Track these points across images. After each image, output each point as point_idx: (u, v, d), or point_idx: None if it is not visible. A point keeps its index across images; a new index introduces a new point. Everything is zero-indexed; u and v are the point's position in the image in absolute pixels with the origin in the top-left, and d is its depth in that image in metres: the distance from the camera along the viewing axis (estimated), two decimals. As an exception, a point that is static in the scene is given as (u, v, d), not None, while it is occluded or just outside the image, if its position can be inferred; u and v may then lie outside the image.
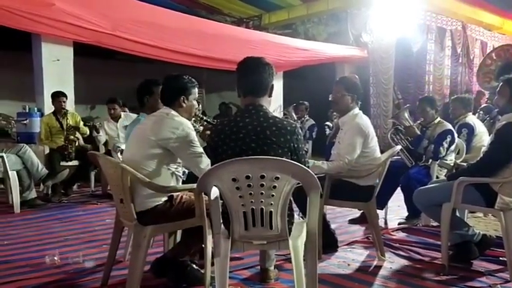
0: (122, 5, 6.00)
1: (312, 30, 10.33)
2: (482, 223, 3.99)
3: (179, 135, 2.43)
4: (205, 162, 2.45)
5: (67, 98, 5.46)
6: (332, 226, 3.43)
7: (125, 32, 5.89)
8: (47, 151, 5.25)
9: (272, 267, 2.66)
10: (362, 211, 3.88)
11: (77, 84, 6.18)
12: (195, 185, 2.28)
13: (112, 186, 2.64)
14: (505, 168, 2.72)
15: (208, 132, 2.87)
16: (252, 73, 2.20)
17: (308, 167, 2.16)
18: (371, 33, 9.49)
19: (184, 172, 2.76)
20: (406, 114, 4.24)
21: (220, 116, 8.94)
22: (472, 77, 11.13)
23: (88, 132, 5.66)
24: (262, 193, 1.95)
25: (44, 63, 5.80)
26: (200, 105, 3.59)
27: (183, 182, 2.67)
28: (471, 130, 4.48)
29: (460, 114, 4.63)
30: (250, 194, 1.95)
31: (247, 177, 1.92)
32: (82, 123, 5.65)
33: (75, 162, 5.31)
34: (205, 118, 3.41)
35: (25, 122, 5.49)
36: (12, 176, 4.47)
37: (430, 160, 4.03)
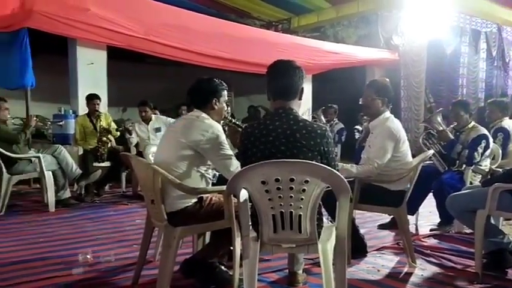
0: (154, 10, 6.12)
1: (341, 33, 10.25)
2: (518, 231, 3.86)
3: (209, 138, 2.46)
4: (235, 165, 2.47)
5: (100, 101, 5.63)
6: (361, 231, 3.39)
7: (156, 36, 6.01)
8: (81, 152, 5.41)
9: (300, 271, 2.65)
10: (392, 216, 3.81)
11: (109, 87, 6.35)
12: (224, 187, 2.31)
13: (144, 187, 2.69)
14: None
15: (237, 135, 2.89)
16: (282, 76, 2.20)
17: (338, 170, 2.15)
18: (402, 36, 9.35)
19: (214, 175, 2.79)
20: (439, 118, 4.14)
21: (249, 119, 8.97)
22: (507, 80, 10.81)
23: (118, 135, 5.79)
24: (291, 196, 1.95)
25: (79, 67, 5.99)
26: (229, 108, 3.62)
27: (213, 185, 2.70)
28: (507, 135, 4.35)
29: (496, 118, 4.50)
30: (280, 197, 1.96)
31: (277, 180, 1.92)
32: (113, 124, 5.80)
33: (107, 163, 5.44)
34: (233, 121, 3.43)
35: (61, 123, 5.67)
36: (48, 175, 4.62)
37: (464, 165, 3.93)
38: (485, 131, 4.00)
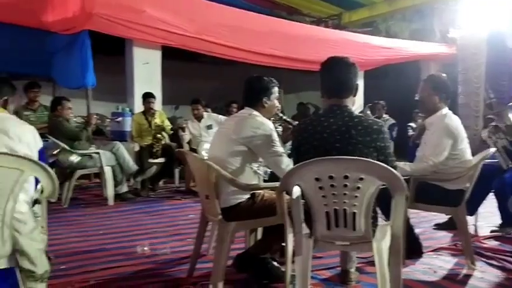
0: (208, 10, 6.22)
1: (394, 27, 9.94)
2: None
3: (260, 135, 2.49)
4: (286, 162, 2.48)
5: (155, 99, 5.82)
6: (416, 231, 3.29)
7: (209, 36, 6.11)
8: (137, 148, 5.62)
9: (353, 269, 2.62)
10: (449, 216, 3.68)
11: (163, 86, 6.54)
12: (277, 184, 2.33)
13: (198, 183, 2.76)
14: None
15: (288, 132, 2.90)
16: (337, 73, 2.19)
17: (395, 166, 2.11)
18: (459, 29, 8.94)
19: (266, 172, 2.82)
20: (510, 115, 3.92)
21: (298, 116, 8.93)
22: None
23: (172, 132, 5.96)
24: (345, 194, 1.94)
25: (135, 67, 6.21)
26: (279, 105, 3.63)
27: (265, 181, 2.73)
28: None
29: None
30: (333, 194, 1.95)
31: (331, 177, 1.92)
32: (167, 122, 5.97)
33: (161, 160, 5.63)
34: (284, 117, 3.44)
35: (118, 120, 5.91)
36: (107, 171, 4.85)
37: (529, 164, 3.71)
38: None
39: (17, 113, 4.87)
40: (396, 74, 9.10)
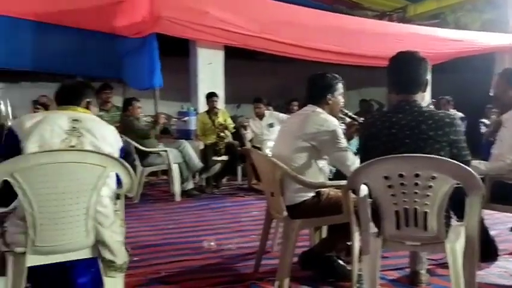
0: (268, 8, 6.27)
1: (464, 18, 9.43)
2: None
3: (325, 131, 2.48)
4: (351, 159, 2.45)
5: (218, 98, 5.96)
6: (491, 233, 3.12)
7: (270, 34, 6.16)
8: (201, 147, 5.79)
9: (424, 271, 2.54)
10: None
11: (225, 85, 6.67)
12: (342, 182, 2.32)
13: (263, 180, 2.80)
14: None
15: (353, 128, 2.86)
16: (406, 69, 2.13)
17: (469, 160, 2.02)
18: (537, 18, 8.31)
19: (330, 170, 2.80)
20: None
21: (361, 113, 8.73)
22: None
23: (234, 130, 6.07)
24: (416, 192, 1.88)
25: (199, 67, 6.40)
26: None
27: (330, 180, 2.71)
28: None
29: None
30: (403, 193, 1.90)
31: (400, 175, 1.87)
32: (229, 120, 6.09)
33: (224, 158, 5.75)
34: (349, 114, 3.39)
35: (184, 120, 6.13)
36: (175, 168, 5.04)
37: None
38: None
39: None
40: (465, 67, 8.63)
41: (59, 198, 1.79)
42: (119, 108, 5.71)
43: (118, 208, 2.06)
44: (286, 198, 2.51)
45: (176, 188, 5.04)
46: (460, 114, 7.18)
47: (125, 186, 1.91)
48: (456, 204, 2.28)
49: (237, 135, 6.21)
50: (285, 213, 2.49)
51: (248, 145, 6.01)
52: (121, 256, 1.92)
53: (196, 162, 5.27)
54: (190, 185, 5.27)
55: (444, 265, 1.93)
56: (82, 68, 6.44)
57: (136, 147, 4.85)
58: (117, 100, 6.17)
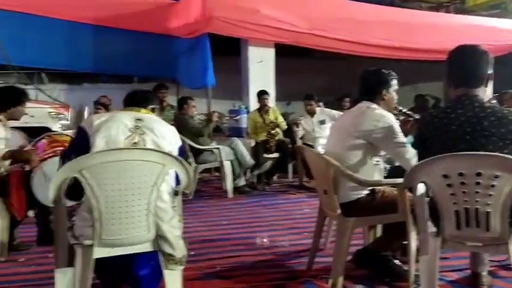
0: (319, 4, 6.24)
1: (526, 7, 8.89)
2: None
3: (382, 127, 2.45)
4: (410, 152, 2.39)
5: (269, 96, 6.00)
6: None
7: (322, 30, 6.12)
8: (252, 144, 5.85)
9: (485, 273, 2.44)
10: None
11: (275, 82, 6.70)
12: (398, 180, 2.28)
13: (316, 178, 2.80)
14: None
15: (408, 125, 2.79)
16: (466, 62, 2.05)
17: None
18: None
19: (385, 167, 2.75)
20: None
21: (416, 109, 8.44)
22: None
23: (286, 127, 6.07)
24: (477, 192, 1.82)
25: (250, 65, 6.48)
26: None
27: (384, 178, 2.66)
28: None
29: None
30: (464, 192, 1.84)
31: (461, 174, 1.81)
32: (280, 118, 6.11)
33: (276, 155, 5.79)
34: (404, 110, 3.31)
35: (236, 118, 6.22)
36: (227, 165, 5.13)
37: None
38: None
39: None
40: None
41: (122, 194, 1.89)
42: (173, 107, 5.89)
43: (176, 204, 2.14)
44: (340, 196, 2.50)
45: (229, 184, 5.13)
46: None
47: (183, 184, 1.99)
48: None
49: (288, 132, 6.22)
50: (339, 211, 2.47)
51: (299, 142, 6.00)
52: (179, 250, 2.00)
53: (248, 159, 5.34)
54: (242, 182, 5.34)
55: (507, 267, 1.85)
56: (138, 69, 6.75)
57: (189, 145, 4.98)
58: (171, 99, 6.37)
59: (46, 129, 4.79)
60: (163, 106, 5.81)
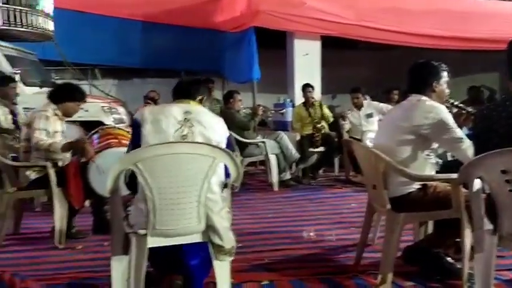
0: (366, -5, 6.12)
1: None
2: None
3: (434, 119, 2.37)
4: (466, 143, 2.31)
5: (313, 89, 5.94)
6: None
7: (369, 21, 6.00)
8: (298, 138, 5.83)
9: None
10: None
11: (321, 75, 6.63)
12: (452, 175, 2.20)
13: (365, 172, 2.75)
14: None
15: (461, 118, 2.68)
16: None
17: None
18: None
19: (437, 162, 2.67)
20: None
21: (469, 101, 8.08)
22: None
23: (332, 120, 6.00)
24: (539, 188, 1.73)
25: (295, 58, 6.45)
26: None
27: (436, 173, 2.58)
28: None
29: None
30: (524, 188, 1.76)
31: (521, 169, 1.73)
32: (327, 111, 6.03)
33: (321, 149, 5.74)
34: (456, 103, 3.19)
35: (282, 111, 6.22)
36: (272, 158, 5.16)
37: None
38: None
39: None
40: None
41: (174, 186, 1.95)
42: (219, 101, 5.98)
43: (225, 196, 2.18)
44: (390, 190, 2.44)
45: (274, 178, 5.15)
46: None
47: (233, 176, 2.02)
48: None
49: (334, 126, 6.14)
50: (389, 206, 2.42)
51: (345, 136, 5.92)
52: (228, 241, 2.04)
53: (293, 153, 5.33)
54: (287, 176, 5.34)
55: None
56: (185, 64, 6.87)
57: (235, 139, 5.03)
58: (217, 94, 6.47)
59: (100, 123, 4.98)
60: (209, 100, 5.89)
